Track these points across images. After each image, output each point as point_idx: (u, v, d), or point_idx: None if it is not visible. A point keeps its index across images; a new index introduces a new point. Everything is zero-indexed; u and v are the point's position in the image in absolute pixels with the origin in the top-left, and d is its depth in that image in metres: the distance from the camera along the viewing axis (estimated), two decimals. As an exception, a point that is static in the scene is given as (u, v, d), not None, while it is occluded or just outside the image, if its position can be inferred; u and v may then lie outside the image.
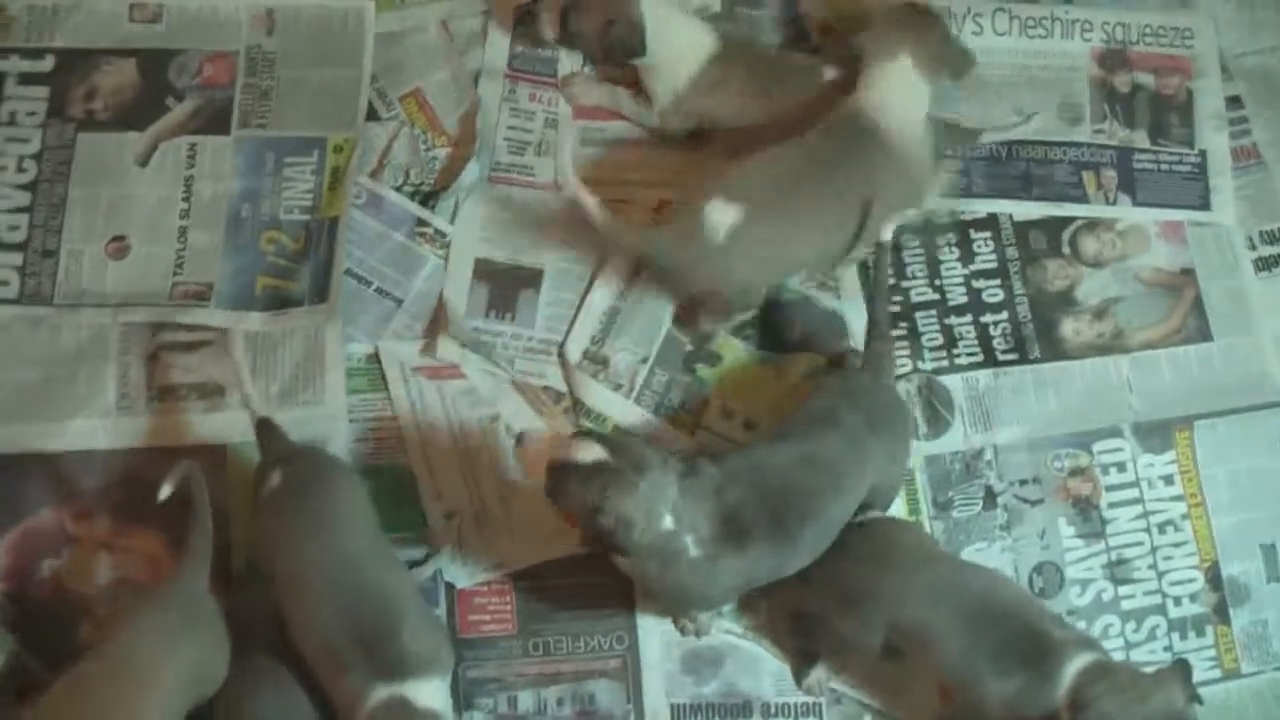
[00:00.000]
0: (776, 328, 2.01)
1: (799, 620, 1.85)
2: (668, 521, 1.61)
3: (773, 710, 1.90)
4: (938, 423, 1.99)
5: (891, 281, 2.04)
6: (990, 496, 1.98)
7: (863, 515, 1.79)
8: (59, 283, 2.00)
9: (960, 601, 1.68)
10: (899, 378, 1.99)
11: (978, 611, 1.68)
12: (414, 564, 1.89)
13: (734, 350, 2.01)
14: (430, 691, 1.62)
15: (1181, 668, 1.62)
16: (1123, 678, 1.60)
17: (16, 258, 2.01)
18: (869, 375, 1.83)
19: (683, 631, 1.85)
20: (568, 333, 2.00)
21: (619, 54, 1.96)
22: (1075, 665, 1.62)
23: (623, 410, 1.98)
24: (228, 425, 1.95)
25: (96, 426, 1.94)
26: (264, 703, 1.67)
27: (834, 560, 1.75)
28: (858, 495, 1.74)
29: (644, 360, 1.99)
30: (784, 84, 1.97)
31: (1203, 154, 2.16)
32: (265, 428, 1.80)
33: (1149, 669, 1.65)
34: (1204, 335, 2.06)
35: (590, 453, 1.59)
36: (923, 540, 1.81)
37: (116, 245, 2.01)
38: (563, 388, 1.99)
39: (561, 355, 1.98)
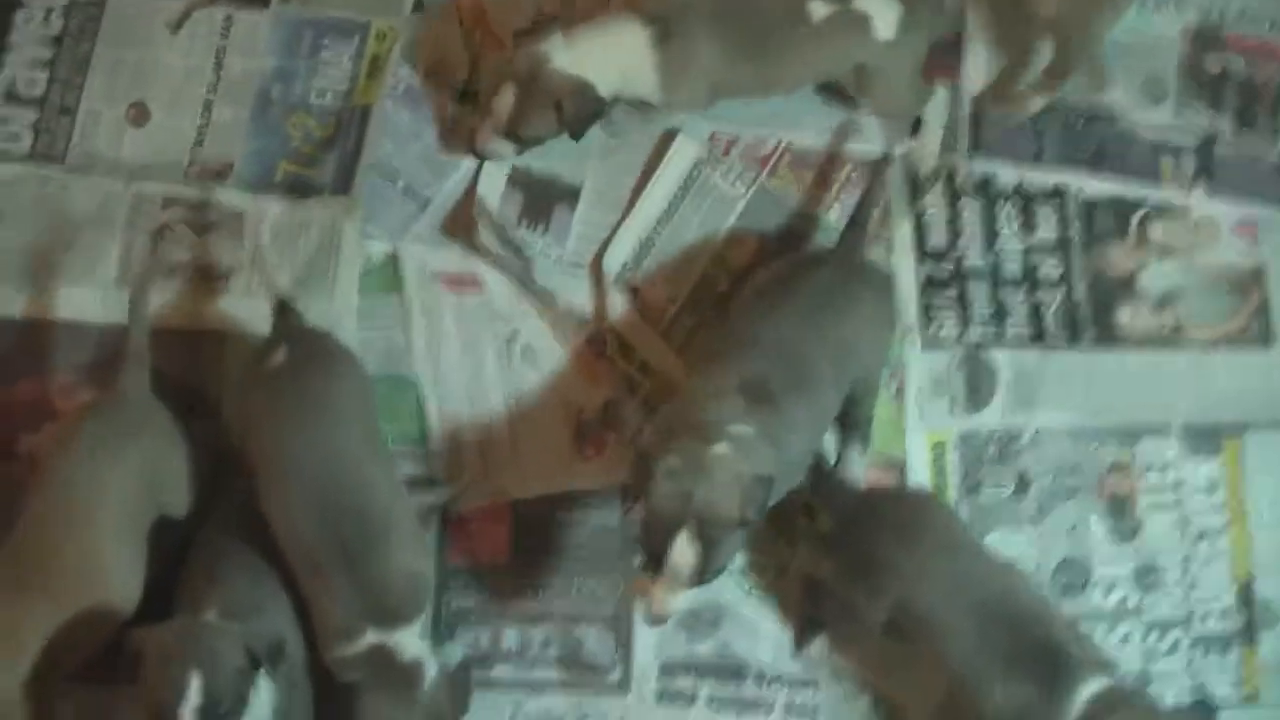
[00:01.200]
0: (821, 279, 1.86)
1: (811, 586, 1.71)
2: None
3: (768, 678, 1.78)
4: (977, 398, 1.85)
5: (944, 245, 1.90)
6: (1023, 483, 1.85)
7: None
8: (73, 144, 1.89)
9: (978, 597, 1.57)
10: (943, 346, 1.89)
11: (995, 611, 1.56)
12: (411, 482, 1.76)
13: (771, 296, 1.86)
14: (413, 636, 1.53)
15: (1204, 713, 1.47)
16: (1139, 713, 1.48)
17: (32, 113, 1.90)
18: (843, 245, 1.75)
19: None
20: (601, 253, 1.86)
21: (587, 124, 1.74)
22: (1089, 689, 1.50)
23: (649, 344, 1.85)
24: (230, 311, 1.83)
25: (93, 298, 1.83)
26: (232, 585, 1.56)
27: (859, 523, 1.64)
28: (849, 348, 1.65)
29: (675, 296, 1.85)
30: (767, 32, 1.75)
31: (1288, 149, 1.98)
32: (283, 308, 1.69)
33: (1167, 704, 1.53)
34: (1266, 341, 1.91)
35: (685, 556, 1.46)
36: (954, 525, 1.68)
37: (137, 111, 1.89)
38: (587, 312, 1.85)
39: (594, 276, 1.83)
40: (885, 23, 1.72)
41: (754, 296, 1.67)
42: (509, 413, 1.82)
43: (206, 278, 1.83)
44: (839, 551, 1.66)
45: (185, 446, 1.63)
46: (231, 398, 1.73)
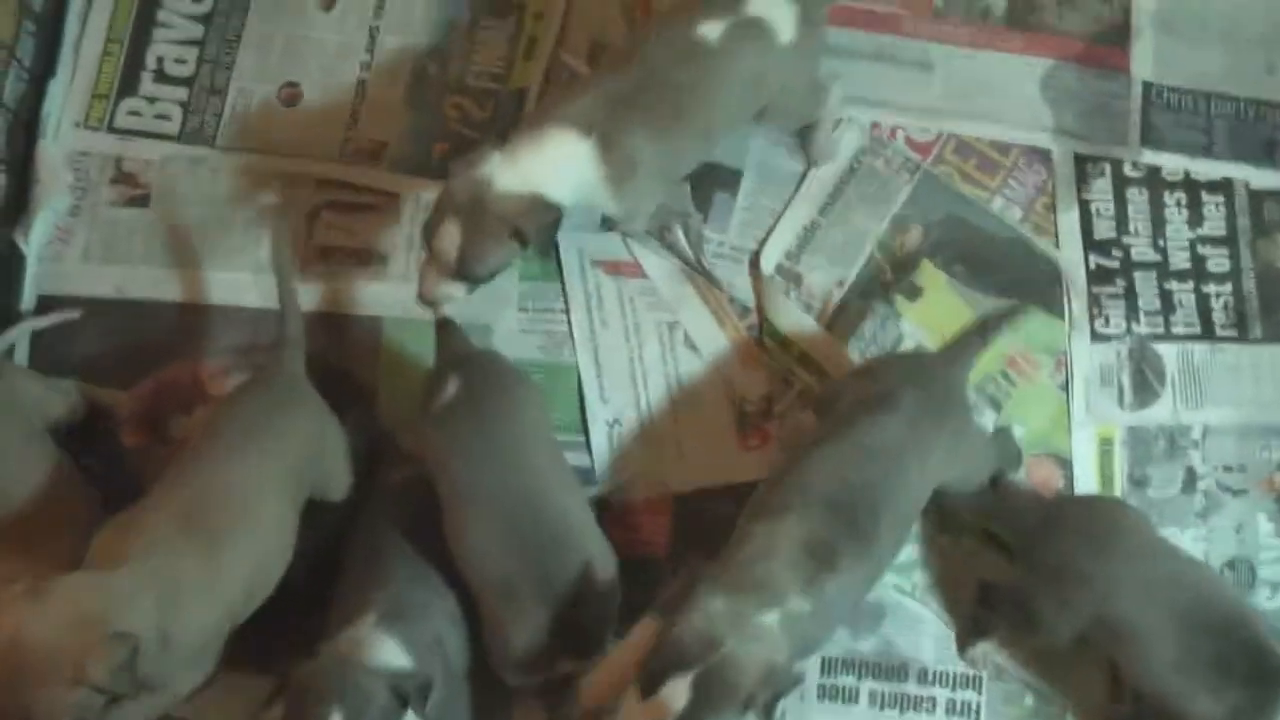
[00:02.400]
0: (988, 266, 1.80)
1: (987, 590, 1.65)
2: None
3: (930, 676, 1.72)
4: (1146, 392, 1.79)
5: (1112, 235, 1.83)
6: (1191, 479, 1.79)
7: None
8: (223, 124, 1.84)
9: (1178, 603, 1.50)
10: (1110, 338, 1.80)
11: (1196, 617, 1.49)
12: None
13: (937, 284, 1.82)
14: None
15: None
16: None
17: (182, 92, 1.85)
18: (942, 360, 1.62)
19: None
20: (764, 241, 1.80)
21: (551, 236, 1.60)
22: None
23: (811, 334, 1.78)
24: (385, 296, 1.78)
25: (246, 281, 1.78)
26: (394, 584, 1.51)
27: (1048, 533, 1.58)
28: (924, 486, 1.54)
29: (840, 283, 1.80)
30: (678, 88, 1.60)
31: None
32: (446, 327, 1.63)
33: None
34: None
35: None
36: (1146, 529, 1.62)
37: (289, 91, 1.84)
38: (749, 300, 1.79)
39: (755, 264, 1.78)
40: (784, 24, 1.60)
41: (825, 430, 1.55)
42: (671, 401, 1.76)
43: (361, 262, 1.76)
44: (1026, 561, 1.60)
45: (339, 429, 1.58)
46: (408, 433, 1.67)
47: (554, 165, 1.52)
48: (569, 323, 1.78)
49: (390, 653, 1.41)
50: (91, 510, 1.53)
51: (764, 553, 1.40)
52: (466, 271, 1.52)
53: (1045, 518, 1.60)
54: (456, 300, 1.57)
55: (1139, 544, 1.56)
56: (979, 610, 1.70)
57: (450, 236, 1.50)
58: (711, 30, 1.56)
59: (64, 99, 1.83)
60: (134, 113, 1.83)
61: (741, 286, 1.81)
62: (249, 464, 1.45)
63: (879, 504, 1.46)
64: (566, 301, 1.78)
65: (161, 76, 1.85)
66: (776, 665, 1.34)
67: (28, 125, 1.80)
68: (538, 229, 1.52)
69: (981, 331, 1.64)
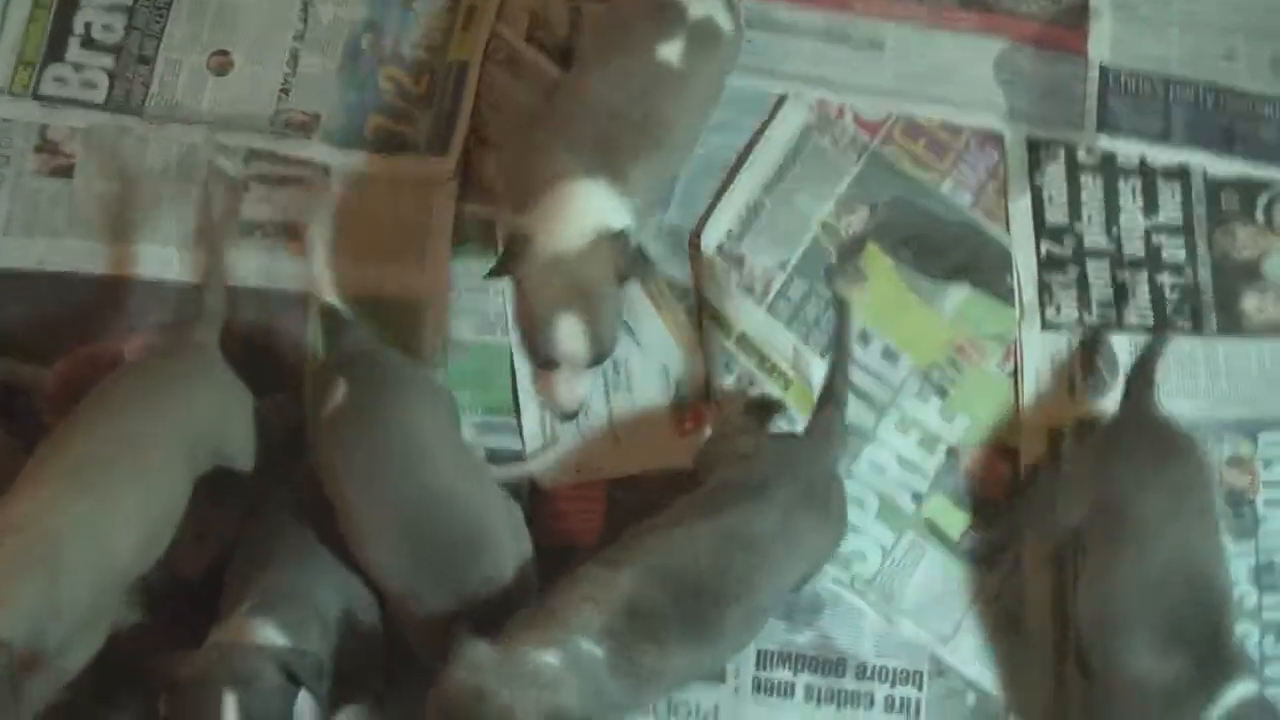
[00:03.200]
0: (935, 251, 1.75)
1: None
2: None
3: (869, 671, 1.66)
4: (1098, 382, 1.72)
5: (1064, 222, 1.76)
6: (1141, 473, 1.69)
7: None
8: (152, 93, 1.77)
9: (1177, 554, 1.45)
10: (1059, 328, 1.74)
11: (1185, 576, 1.44)
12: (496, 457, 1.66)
13: (882, 269, 1.75)
14: None
15: None
16: None
17: (108, 60, 1.78)
18: (813, 444, 1.53)
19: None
20: (704, 221, 1.73)
21: (642, 259, 1.53)
22: (1239, 692, 1.39)
23: (751, 318, 1.73)
24: (313, 271, 1.68)
25: (172, 256, 1.72)
26: (277, 569, 1.44)
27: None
28: (788, 580, 1.47)
29: (782, 265, 1.73)
30: (660, 117, 1.56)
31: None
32: (333, 318, 1.56)
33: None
34: (1398, 335, 1.76)
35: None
36: (1206, 480, 1.57)
37: (220, 60, 1.77)
38: (687, 282, 1.73)
39: (694, 245, 1.71)
40: (722, 15, 1.58)
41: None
42: (605, 384, 1.69)
43: (289, 236, 1.69)
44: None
45: (248, 403, 1.52)
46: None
47: (585, 208, 1.46)
48: (503, 301, 1.70)
49: (268, 638, 1.33)
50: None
51: (576, 597, 1.32)
52: (603, 348, 1.45)
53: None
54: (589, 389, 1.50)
55: (1189, 479, 1.52)
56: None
57: (571, 330, 1.42)
58: (671, 50, 1.52)
59: (-10, 69, 1.74)
60: (59, 79, 1.77)
61: (680, 269, 1.74)
62: (141, 422, 1.39)
63: (729, 595, 1.37)
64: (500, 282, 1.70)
65: (89, 43, 1.79)
66: (560, 709, 1.24)
67: (-55, 91, 1.72)
68: (627, 259, 1.45)
69: (837, 403, 1.57)
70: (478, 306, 1.73)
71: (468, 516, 1.43)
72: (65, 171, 1.73)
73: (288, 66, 1.77)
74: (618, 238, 1.44)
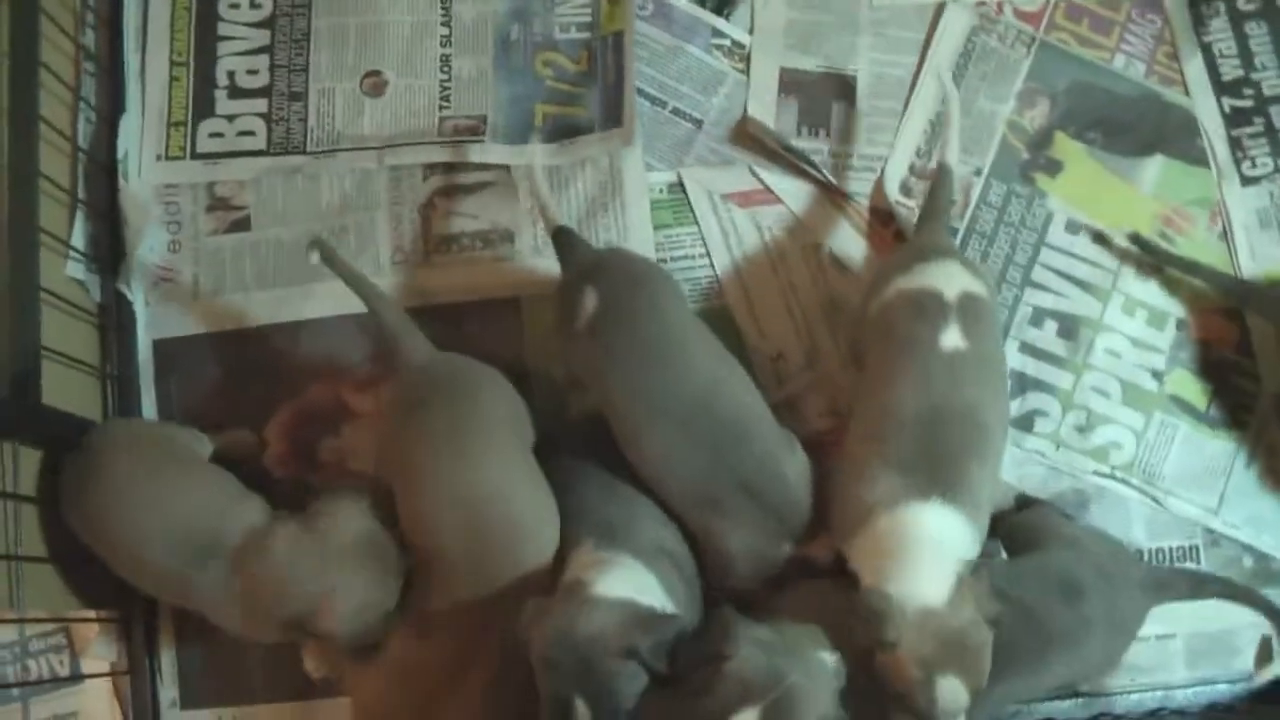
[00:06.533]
0: (1122, 128, 1.70)
1: None
2: None
3: (1146, 556, 1.62)
4: (1303, 232, 1.67)
5: (1240, 74, 1.73)
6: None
7: None
8: (310, 128, 1.70)
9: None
10: (1258, 180, 1.71)
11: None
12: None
13: (1076, 156, 1.70)
14: None
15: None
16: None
17: (260, 104, 1.71)
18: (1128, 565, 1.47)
19: None
20: (888, 161, 1.69)
21: None
22: None
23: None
24: (519, 275, 1.64)
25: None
26: (598, 508, 1.41)
27: None
28: (1051, 678, 1.38)
29: (978, 172, 1.68)
30: None
31: None
32: (565, 236, 1.48)
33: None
34: None
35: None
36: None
37: (372, 81, 1.70)
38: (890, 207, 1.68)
39: (879, 188, 1.68)
40: (977, 285, 1.46)
41: None
42: (830, 322, 1.65)
43: (487, 243, 1.63)
44: None
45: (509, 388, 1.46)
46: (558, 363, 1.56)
47: (940, 541, 1.29)
48: (711, 265, 1.65)
49: (620, 573, 1.29)
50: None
51: None
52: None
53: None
54: None
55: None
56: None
57: (954, 691, 1.22)
58: (952, 337, 1.39)
59: (140, 134, 1.68)
60: (216, 134, 1.70)
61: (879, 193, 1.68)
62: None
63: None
64: (705, 244, 1.65)
65: (236, 91, 1.71)
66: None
67: (107, 168, 1.65)
68: (989, 596, 1.28)
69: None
70: (686, 275, 1.69)
71: (736, 406, 1.38)
72: (242, 225, 1.66)
73: (442, 73, 1.70)
74: (976, 573, 1.27)
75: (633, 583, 1.28)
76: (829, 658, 1.24)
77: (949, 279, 1.40)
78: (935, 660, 1.20)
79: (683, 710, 1.20)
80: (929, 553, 1.24)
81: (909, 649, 1.20)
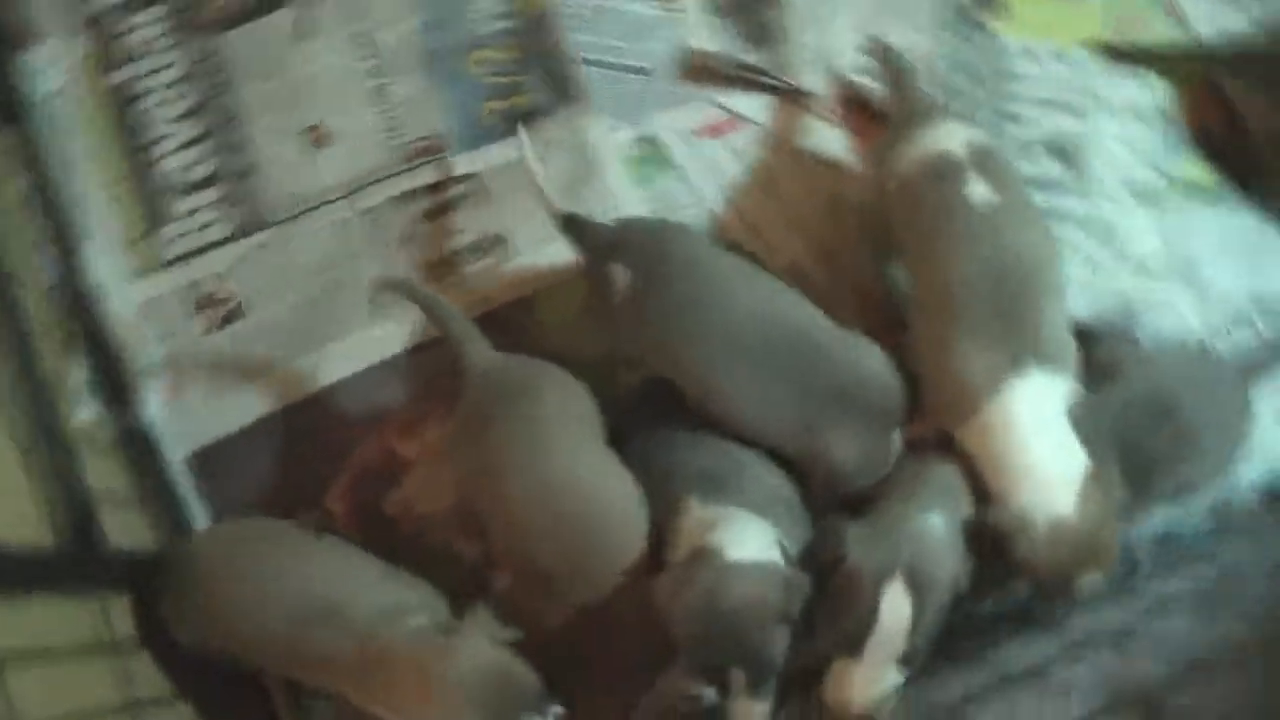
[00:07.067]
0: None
1: None
2: None
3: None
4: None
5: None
6: None
7: None
8: (270, 199, 1.66)
9: None
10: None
11: None
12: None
13: (1019, -10, 1.68)
14: None
15: None
16: None
17: (212, 192, 1.67)
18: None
19: None
20: (832, 44, 1.68)
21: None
22: None
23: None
24: (522, 275, 1.63)
25: (384, 332, 1.62)
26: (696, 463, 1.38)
27: None
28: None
29: (919, 28, 1.67)
30: None
31: None
32: (572, 222, 1.46)
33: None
34: None
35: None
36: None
37: (316, 134, 1.67)
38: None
39: (835, 73, 1.66)
40: (975, 134, 1.46)
41: None
42: (833, 233, 1.63)
43: (484, 252, 1.61)
44: None
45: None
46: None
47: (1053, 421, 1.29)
48: (704, 204, 1.65)
49: (742, 532, 1.28)
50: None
51: None
52: (931, 637, 1.25)
53: None
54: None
55: None
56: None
57: (899, 610, 1.24)
58: (978, 190, 1.37)
59: (107, 261, 1.63)
60: (180, 236, 1.65)
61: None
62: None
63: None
64: (691, 185, 1.63)
65: (185, 189, 1.67)
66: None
67: (86, 303, 1.61)
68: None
69: None
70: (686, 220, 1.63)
71: (791, 315, 1.37)
72: (235, 315, 1.63)
73: (382, 105, 1.66)
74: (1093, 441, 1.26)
75: (757, 540, 1.27)
76: (937, 519, 1.23)
77: (950, 136, 1.39)
78: (1071, 565, 1.23)
79: (833, 632, 1.18)
80: (1047, 439, 1.25)
81: (1044, 563, 1.23)
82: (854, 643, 1.22)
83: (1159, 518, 1.47)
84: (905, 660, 1.23)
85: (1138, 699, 1.15)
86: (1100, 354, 1.41)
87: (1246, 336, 1.60)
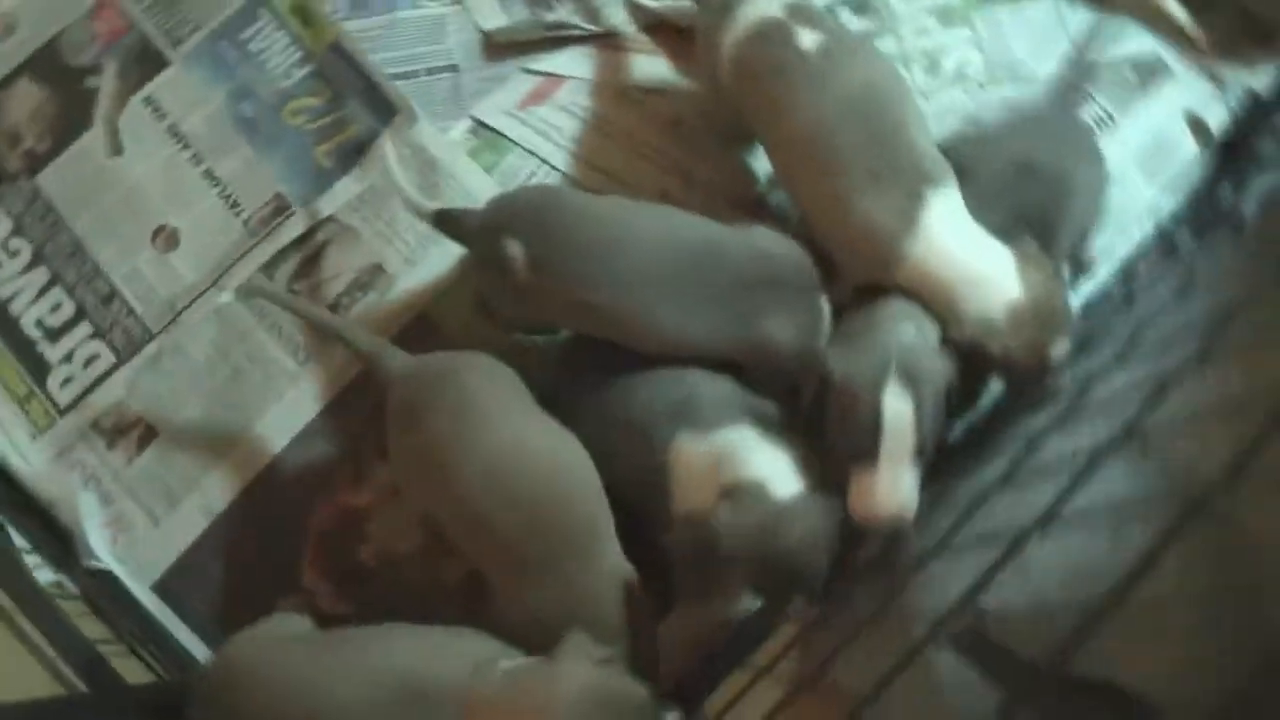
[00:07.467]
0: None
1: None
2: None
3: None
4: None
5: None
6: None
7: None
8: (142, 314, 1.64)
9: None
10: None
11: None
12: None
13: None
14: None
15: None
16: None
17: (83, 328, 1.65)
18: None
19: None
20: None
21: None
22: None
23: None
24: (411, 294, 1.63)
25: (299, 396, 1.61)
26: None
27: None
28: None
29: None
30: None
31: None
32: (444, 216, 1.47)
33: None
34: None
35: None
36: None
37: (163, 237, 1.65)
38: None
39: (632, 4, 1.71)
40: None
41: None
42: (686, 160, 1.66)
43: (369, 283, 1.61)
44: None
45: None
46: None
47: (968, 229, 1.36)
48: (552, 167, 1.66)
49: (770, 458, 1.30)
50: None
51: None
52: (936, 433, 1.26)
53: None
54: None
55: None
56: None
57: (901, 407, 1.26)
58: (807, 39, 1.41)
59: (6, 429, 1.60)
60: (67, 380, 1.63)
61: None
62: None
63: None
64: (536, 154, 1.65)
65: (53, 334, 1.65)
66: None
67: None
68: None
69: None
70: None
71: (685, 231, 1.37)
72: (150, 435, 1.61)
73: (215, 187, 1.65)
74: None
75: (786, 468, 1.29)
76: (909, 327, 1.28)
77: (766, 3, 1.43)
78: (1041, 339, 1.27)
79: (844, 459, 1.24)
80: (971, 248, 1.30)
81: (1019, 348, 1.27)
82: (868, 451, 1.24)
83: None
84: (917, 455, 1.25)
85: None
86: (955, 160, 1.47)
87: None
